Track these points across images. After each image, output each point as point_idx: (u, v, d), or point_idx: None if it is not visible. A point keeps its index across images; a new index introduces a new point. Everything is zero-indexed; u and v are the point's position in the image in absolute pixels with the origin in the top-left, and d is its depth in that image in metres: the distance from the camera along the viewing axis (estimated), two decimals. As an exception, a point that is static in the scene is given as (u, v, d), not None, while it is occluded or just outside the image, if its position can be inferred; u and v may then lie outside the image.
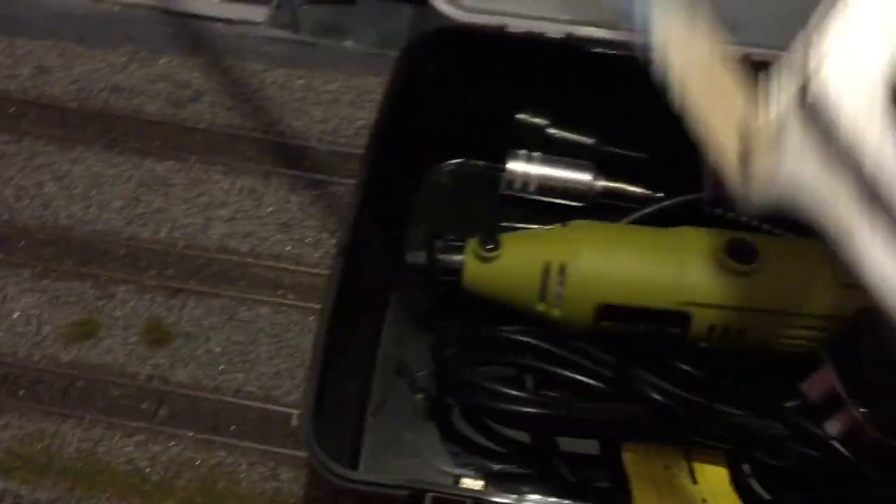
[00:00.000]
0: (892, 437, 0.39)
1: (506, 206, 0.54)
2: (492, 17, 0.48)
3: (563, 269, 0.45)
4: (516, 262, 0.46)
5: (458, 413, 0.47)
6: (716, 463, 0.45)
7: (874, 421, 0.39)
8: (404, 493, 0.35)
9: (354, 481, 0.35)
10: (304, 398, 0.37)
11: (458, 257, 0.46)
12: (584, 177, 0.52)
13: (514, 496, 0.36)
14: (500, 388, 0.45)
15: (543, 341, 0.46)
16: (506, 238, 0.46)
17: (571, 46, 0.47)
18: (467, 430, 0.47)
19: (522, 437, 0.47)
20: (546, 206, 0.53)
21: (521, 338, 0.46)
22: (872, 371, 0.40)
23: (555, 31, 0.47)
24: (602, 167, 0.53)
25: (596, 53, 0.48)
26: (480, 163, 0.55)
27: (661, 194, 0.52)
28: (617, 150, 0.53)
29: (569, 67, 0.49)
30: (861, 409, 0.40)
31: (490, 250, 0.46)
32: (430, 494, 0.35)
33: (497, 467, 0.47)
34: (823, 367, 0.43)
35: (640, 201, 0.52)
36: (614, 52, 0.47)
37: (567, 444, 0.47)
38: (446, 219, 0.54)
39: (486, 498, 0.36)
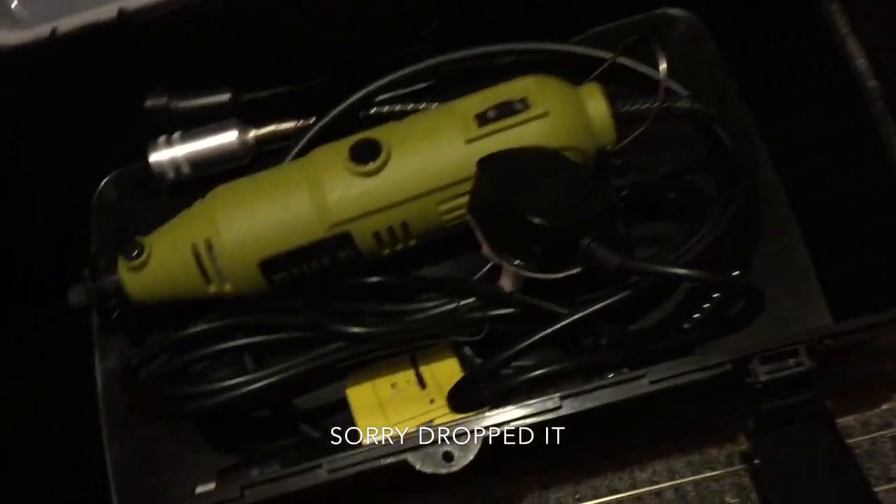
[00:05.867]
0: (551, 273, 0.39)
1: (182, 196, 0.51)
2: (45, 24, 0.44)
3: (209, 246, 0.43)
4: (167, 257, 0.44)
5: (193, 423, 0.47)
6: (444, 357, 0.45)
7: (525, 265, 0.39)
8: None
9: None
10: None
11: (112, 277, 0.44)
12: (230, 136, 0.50)
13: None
14: (218, 384, 0.44)
15: (233, 317, 0.45)
16: (149, 239, 0.44)
17: (127, 22, 0.44)
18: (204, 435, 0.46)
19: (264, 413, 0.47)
20: (219, 180, 0.51)
21: (209, 325, 0.45)
22: (499, 217, 0.39)
23: (108, 12, 0.44)
24: (250, 117, 0.51)
25: (157, 18, 0.45)
26: (139, 164, 0.52)
27: (313, 119, 0.50)
28: (256, 93, 0.51)
29: (152, 42, 0.46)
30: (510, 258, 0.39)
31: (136, 257, 0.44)
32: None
33: (253, 452, 0.46)
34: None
35: (297, 135, 0.50)
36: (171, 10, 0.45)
37: (308, 402, 0.46)
38: (132, 235, 0.51)
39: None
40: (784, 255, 0.46)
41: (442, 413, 0.42)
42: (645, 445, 0.42)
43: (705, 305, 0.42)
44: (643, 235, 0.47)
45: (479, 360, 0.44)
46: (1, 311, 0.45)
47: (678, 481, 0.41)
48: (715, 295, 0.41)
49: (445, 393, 0.43)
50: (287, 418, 0.46)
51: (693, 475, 0.41)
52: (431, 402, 0.43)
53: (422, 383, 0.44)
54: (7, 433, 0.42)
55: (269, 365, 0.44)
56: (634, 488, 0.41)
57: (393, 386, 0.44)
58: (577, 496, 0.41)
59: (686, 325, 0.42)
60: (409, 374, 0.44)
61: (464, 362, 0.44)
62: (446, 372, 0.44)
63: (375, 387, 0.44)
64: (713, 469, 0.41)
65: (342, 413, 0.45)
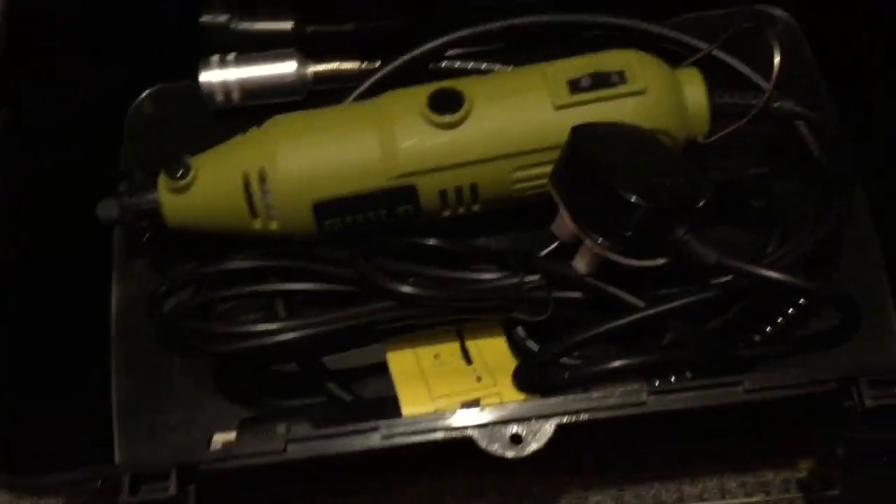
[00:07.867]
0: (636, 258, 0.36)
1: (223, 124, 0.48)
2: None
3: (262, 177, 0.40)
4: (213, 182, 0.40)
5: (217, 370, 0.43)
6: (493, 335, 0.42)
7: (611, 245, 0.36)
8: (96, 483, 0.31)
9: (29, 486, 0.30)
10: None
11: (151, 196, 0.41)
12: (288, 67, 0.47)
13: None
14: (248, 328, 0.40)
15: (273, 259, 0.42)
16: (197, 160, 0.41)
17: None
18: (229, 384, 0.43)
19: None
20: (266, 111, 0.47)
21: (247, 263, 0.41)
22: (590, 191, 0.36)
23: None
24: (310, 51, 0.48)
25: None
26: (182, 83, 0.49)
27: (378, 63, 0.47)
28: (321, 27, 0.48)
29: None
30: (595, 237, 0.36)
31: (181, 178, 0.40)
32: (126, 476, 0.30)
33: (271, 407, 0.43)
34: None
35: (359, 77, 0.47)
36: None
37: (337, 363, 0.43)
38: (163, 156, 0.48)
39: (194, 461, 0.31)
40: (861, 280, 0.43)
41: (490, 392, 0.38)
42: (696, 460, 0.39)
43: (780, 319, 0.40)
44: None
45: (530, 342, 0.41)
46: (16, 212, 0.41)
47: (730, 501, 0.38)
48: (797, 306, 0.39)
49: (493, 372, 0.40)
50: (313, 376, 0.42)
51: (746, 497, 0.38)
52: (479, 379, 0.40)
53: (467, 359, 0.41)
54: (13, 346, 0.38)
55: (302, 316, 0.41)
56: (682, 502, 0.38)
57: (436, 356, 0.41)
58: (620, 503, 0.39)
59: (757, 338, 0.39)
60: (454, 348, 0.41)
61: (513, 343, 0.41)
62: (494, 350, 0.41)
63: (417, 354, 0.41)
64: (767, 493, 0.38)
65: (373, 378, 0.42)
